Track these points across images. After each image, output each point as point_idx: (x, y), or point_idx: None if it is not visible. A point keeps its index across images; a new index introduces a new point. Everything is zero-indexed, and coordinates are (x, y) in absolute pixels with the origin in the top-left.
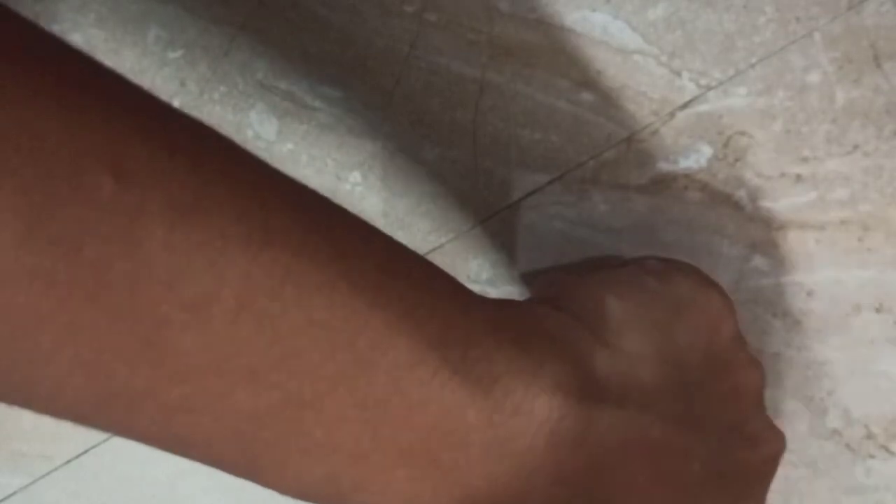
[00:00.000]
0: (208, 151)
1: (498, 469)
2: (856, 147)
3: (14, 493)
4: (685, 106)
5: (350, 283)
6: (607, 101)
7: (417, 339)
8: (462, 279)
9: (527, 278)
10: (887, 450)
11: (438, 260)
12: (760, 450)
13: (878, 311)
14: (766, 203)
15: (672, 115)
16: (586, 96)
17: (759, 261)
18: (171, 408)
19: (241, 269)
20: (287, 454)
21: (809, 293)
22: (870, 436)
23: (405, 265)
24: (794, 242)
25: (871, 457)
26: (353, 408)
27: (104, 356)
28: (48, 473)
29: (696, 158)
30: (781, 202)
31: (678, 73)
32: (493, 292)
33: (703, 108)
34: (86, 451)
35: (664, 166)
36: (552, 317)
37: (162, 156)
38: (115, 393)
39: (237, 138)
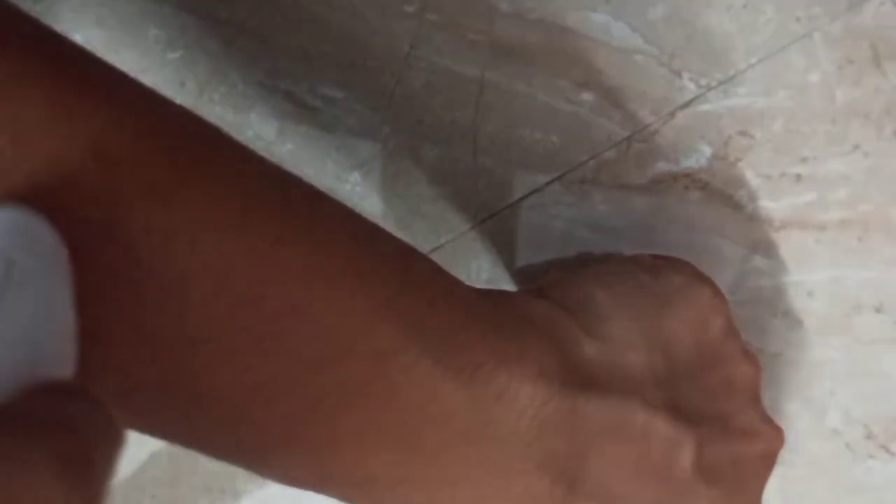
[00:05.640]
0: (190, 136)
1: (480, 455)
2: (856, 147)
3: None
4: (685, 106)
5: (332, 268)
6: (607, 101)
7: (400, 325)
8: (462, 279)
9: (522, 275)
10: (887, 450)
11: (438, 260)
12: (756, 444)
13: (878, 311)
14: (766, 203)
15: (672, 115)
16: (586, 96)
17: (759, 261)
18: (148, 388)
19: (220, 252)
20: (267, 437)
21: (809, 293)
22: (870, 436)
23: (390, 252)
24: (794, 242)
25: (871, 457)
26: (333, 393)
27: (82, 337)
28: None
29: (696, 158)
30: (781, 202)
31: (678, 73)
32: None
33: (703, 108)
34: None
35: (664, 166)
36: (538, 306)
37: (143, 139)
38: (91, 371)
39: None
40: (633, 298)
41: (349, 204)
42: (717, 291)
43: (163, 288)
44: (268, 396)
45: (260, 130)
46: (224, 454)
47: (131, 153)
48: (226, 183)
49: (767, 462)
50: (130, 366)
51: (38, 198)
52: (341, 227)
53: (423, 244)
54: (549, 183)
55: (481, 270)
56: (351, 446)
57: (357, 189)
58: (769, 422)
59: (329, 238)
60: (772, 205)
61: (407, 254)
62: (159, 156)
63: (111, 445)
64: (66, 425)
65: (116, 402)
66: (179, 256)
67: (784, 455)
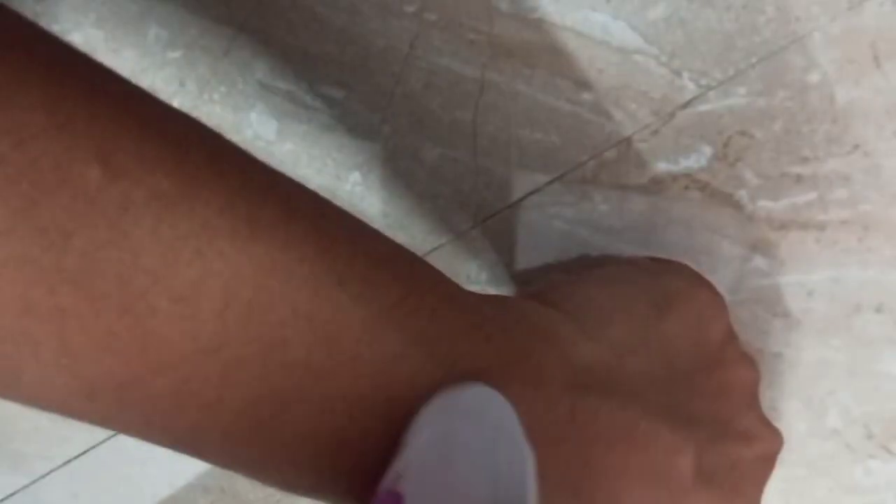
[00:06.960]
0: (194, 143)
1: None
2: (856, 147)
3: (14, 493)
4: (685, 106)
5: (336, 276)
6: (607, 101)
7: (403, 332)
8: (462, 279)
9: (522, 276)
10: (887, 450)
11: (438, 260)
12: (754, 447)
13: (878, 311)
14: (766, 203)
15: (672, 115)
16: (586, 96)
17: (759, 261)
18: (158, 398)
19: (228, 260)
20: (271, 446)
21: (809, 293)
22: (870, 436)
23: (392, 258)
24: (794, 242)
25: (871, 457)
26: (338, 400)
27: (91, 345)
28: (48, 473)
29: (696, 158)
30: (781, 202)
31: (678, 73)
32: (492, 292)
33: (703, 108)
34: (86, 452)
35: (664, 166)
36: (538, 311)
37: (148, 147)
38: (102, 382)
39: (237, 138)
40: (632, 302)
41: (349, 204)
42: (715, 294)
43: (172, 296)
44: (277, 405)
45: (260, 130)
46: (229, 462)
47: (136, 160)
48: (231, 190)
49: (766, 465)
50: (142, 376)
51: None
52: (344, 233)
53: (423, 244)
54: (549, 183)
55: (481, 271)
56: (356, 455)
57: (357, 189)
58: (767, 424)
59: (333, 244)
60: (772, 205)
61: (408, 260)
62: (164, 163)
63: None
64: None
65: (128, 412)
66: (188, 264)
67: (784, 455)
